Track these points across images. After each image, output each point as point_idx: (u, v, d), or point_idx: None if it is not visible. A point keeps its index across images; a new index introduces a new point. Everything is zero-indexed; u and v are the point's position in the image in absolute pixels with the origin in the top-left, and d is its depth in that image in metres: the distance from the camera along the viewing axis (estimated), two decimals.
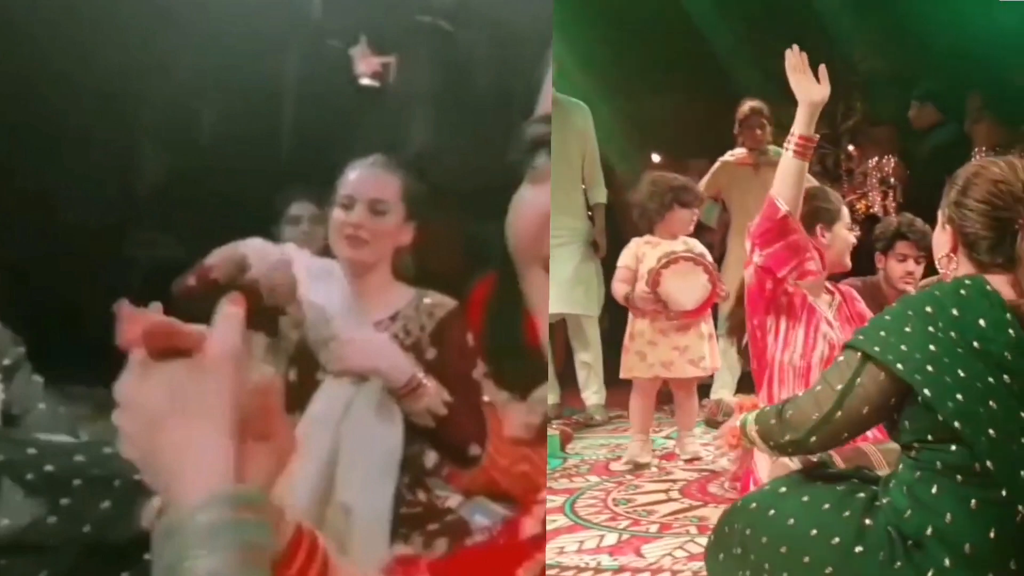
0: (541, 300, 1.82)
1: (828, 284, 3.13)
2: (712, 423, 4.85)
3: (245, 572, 0.79)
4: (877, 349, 1.84)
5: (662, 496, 3.73)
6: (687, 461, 4.22)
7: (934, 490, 1.80)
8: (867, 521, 1.85)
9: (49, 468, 1.51)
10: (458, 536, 1.75)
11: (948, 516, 1.78)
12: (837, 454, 2.29)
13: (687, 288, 4.10)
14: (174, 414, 0.85)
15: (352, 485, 1.72)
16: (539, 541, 1.81)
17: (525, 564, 1.78)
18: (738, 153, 5.61)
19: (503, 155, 1.76)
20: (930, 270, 3.66)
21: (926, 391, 1.78)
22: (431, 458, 1.76)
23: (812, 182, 5.62)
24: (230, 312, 0.90)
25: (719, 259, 5.94)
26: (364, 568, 1.67)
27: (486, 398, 1.78)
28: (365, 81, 1.70)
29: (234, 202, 1.63)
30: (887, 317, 1.90)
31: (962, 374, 1.79)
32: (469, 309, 1.77)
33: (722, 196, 5.78)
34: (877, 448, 2.39)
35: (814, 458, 2.15)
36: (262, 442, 0.89)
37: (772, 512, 1.95)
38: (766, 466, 2.56)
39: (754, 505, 2.01)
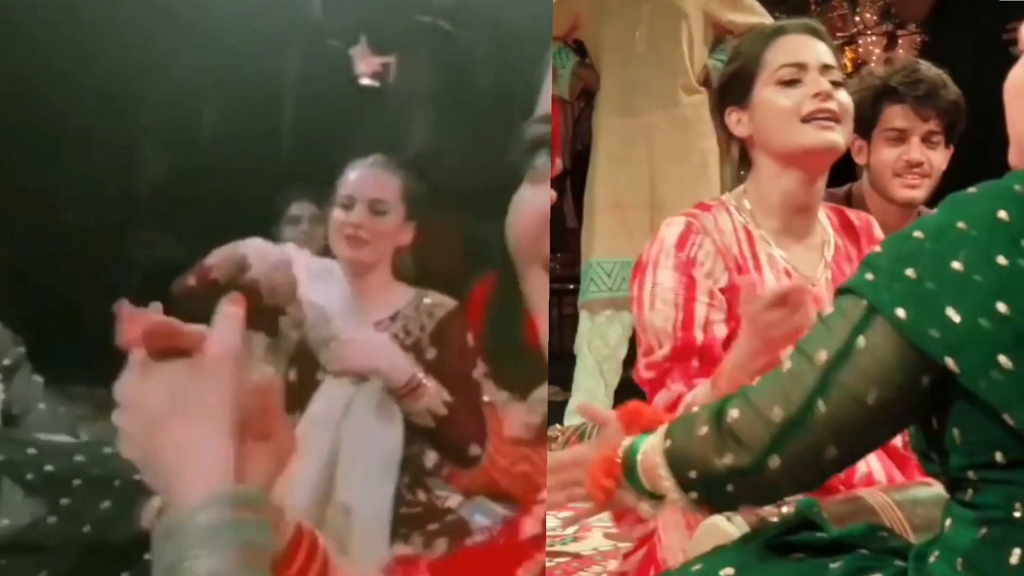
0: (541, 300, 1.82)
1: (826, 211, 1.93)
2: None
3: (245, 572, 0.79)
4: (901, 313, 1.01)
5: None
6: None
7: (1014, 559, 1.00)
8: None
9: (49, 468, 1.51)
10: (458, 536, 1.75)
11: None
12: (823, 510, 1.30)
13: None
14: (174, 414, 0.85)
15: (352, 485, 1.72)
16: (539, 541, 1.81)
17: (525, 564, 1.78)
18: None
19: (503, 155, 1.76)
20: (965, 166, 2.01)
21: (992, 394, 0.98)
22: (431, 458, 1.76)
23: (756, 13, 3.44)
24: (230, 312, 0.90)
25: (576, 167, 4.13)
26: (364, 568, 1.67)
27: (486, 398, 1.77)
28: (365, 81, 1.70)
29: (234, 202, 1.63)
30: (918, 235, 1.05)
31: None
32: (469, 309, 1.77)
33: (583, 35, 3.74)
34: (893, 497, 1.44)
35: (780, 510, 1.28)
36: (262, 442, 0.89)
37: None
38: (679, 533, 1.56)
39: None
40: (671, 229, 1.86)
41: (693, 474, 1.13)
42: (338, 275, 1.77)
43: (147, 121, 1.61)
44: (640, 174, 3.62)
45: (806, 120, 1.80)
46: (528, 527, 1.79)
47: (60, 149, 1.53)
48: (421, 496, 1.76)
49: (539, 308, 1.81)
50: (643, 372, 1.84)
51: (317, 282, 1.74)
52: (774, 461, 1.06)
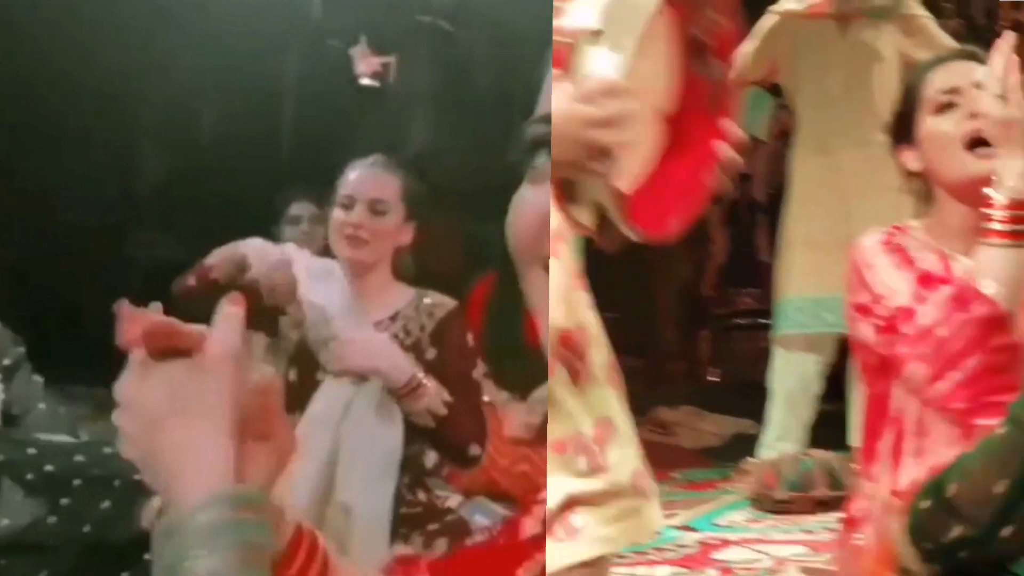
0: (541, 300, 1.82)
1: None
2: (764, 501, 3.48)
3: (245, 572, 0.79)
4: None
5: None
6: None
7: None
8: None
9: (49, 468, 1.51)
10: (458, 536, 1.75)
11: None
12: None
13: None
14: (174, 414, 0.85)
15: (352, 485, 1.72)
16: (539, 541, 1.80)
17: (525, 564, 1.78)
18: None
19: (503, 155, 1.76)
20: None
21: None
22: (431, 458, 1.76)
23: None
24: (230, 312, 0.90)
25: (771, 203, 4.31)
26: (364, 568, 1.67)
27: (486, 398, 1.77)
28: (365, 81, 1.70)
29: (234, 202, 1.64)
30: None
31: None
32: (469, 309, 1.77)
33: (780, 78, 3.73)
34: None
35: None
36: (262, 442, 0.89)
37: None
38: None
39: None
40: (870, 238, 1.87)
41: (928, 546, 1.16)
42: (338, 275, 1.77)
43: (147, 121, 1.61)
44: (834, 212, 3.67)
45: (969, 147, 1.80)
46: (528, 527, 1.78)
47: (60, 149, 1.54)
48: (421, 496, 1.76)
49: (539, 308, 1.81)
50: (944, 386, 1.55)
51: (317, 282, 1.74)
52: (1007, 531, 1.11)
